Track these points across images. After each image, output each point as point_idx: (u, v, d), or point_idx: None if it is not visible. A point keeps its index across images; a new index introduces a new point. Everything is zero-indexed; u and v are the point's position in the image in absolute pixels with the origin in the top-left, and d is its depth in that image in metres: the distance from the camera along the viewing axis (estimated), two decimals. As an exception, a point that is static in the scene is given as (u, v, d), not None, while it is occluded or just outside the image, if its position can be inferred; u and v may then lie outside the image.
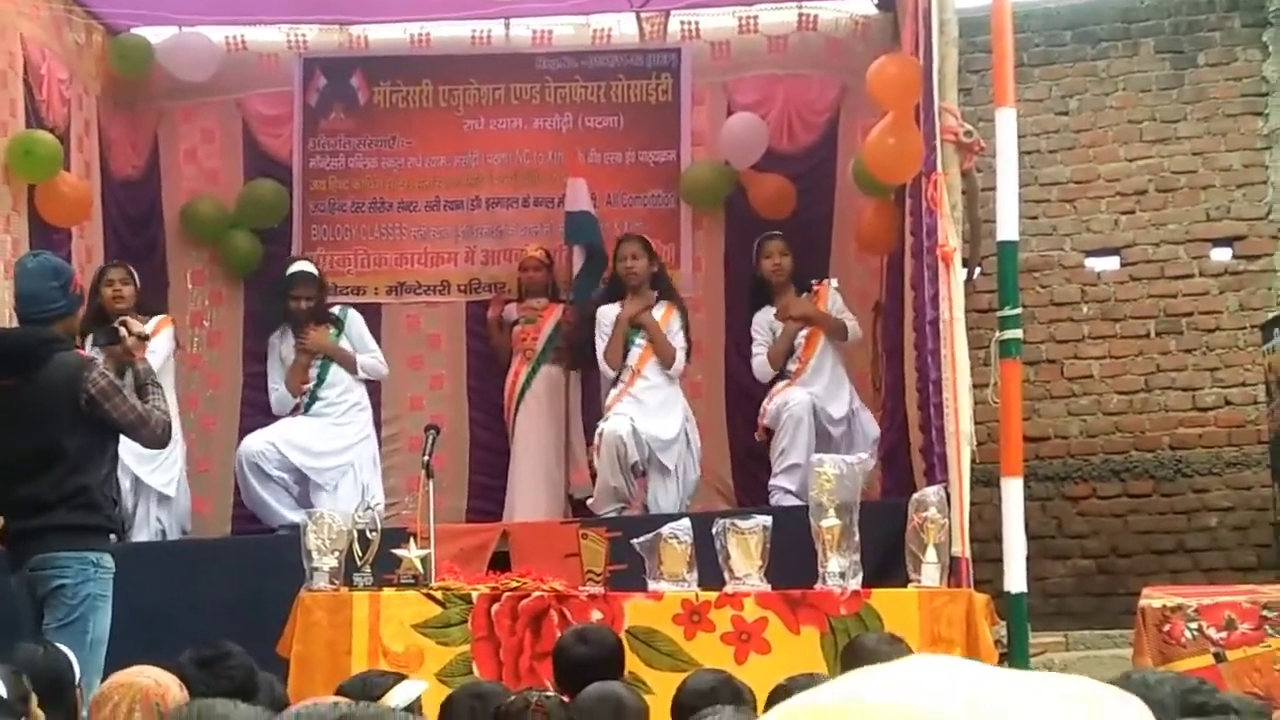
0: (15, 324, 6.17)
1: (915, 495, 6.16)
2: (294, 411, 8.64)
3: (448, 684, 5.30)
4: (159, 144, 9.71)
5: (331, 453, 8.48)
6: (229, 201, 9.59)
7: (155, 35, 9.36)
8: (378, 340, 9.02)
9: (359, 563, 6.19)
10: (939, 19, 6.63)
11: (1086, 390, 9.38)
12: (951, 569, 6.01)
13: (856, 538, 6.01)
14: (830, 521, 5.97)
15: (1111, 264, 9.46)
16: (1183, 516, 9.19)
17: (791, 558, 6.15)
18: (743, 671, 4.84)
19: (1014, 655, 5.93)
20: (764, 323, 8.65)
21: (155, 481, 8.18)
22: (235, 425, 9.19)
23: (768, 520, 6.07)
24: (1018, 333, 6.15)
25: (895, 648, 4.77)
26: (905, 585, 6.00)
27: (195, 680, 3.75)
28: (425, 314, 9.64)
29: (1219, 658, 5.57)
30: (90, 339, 6.48)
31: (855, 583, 5.97)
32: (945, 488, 6.19)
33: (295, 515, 7.74)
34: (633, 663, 5.37)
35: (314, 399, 8.59)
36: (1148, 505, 9.24)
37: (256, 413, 9.02)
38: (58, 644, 4.39)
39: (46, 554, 5.60)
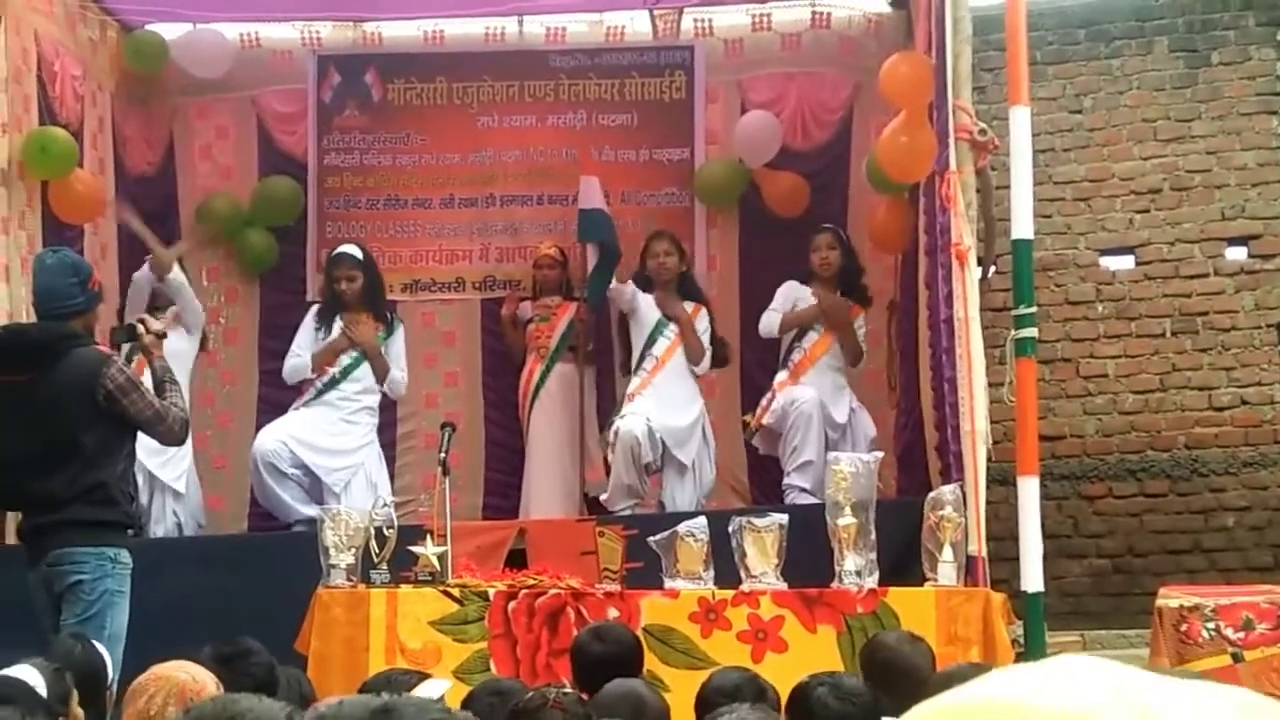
0: (34, 319, 6.18)
1: (931, 494, 6.16)
2: (303, 388, 8.61)
3: (465, 681, 5.31)
4: (174, 141, 9.72)
5: (342, 452, 8.46)
6: (244, 198, 9.59)
7: (169, 32, 9.37)
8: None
9: (376, 559, 6.20)
10: (953, 17, 6.63)
11: (1102, 389, 9.37)
12: (968, 568, 6.01)
13: (873, 536, 6.01)
14: (846, 520, 5.97)
15: (1126, 263, 9.45)
16: (1199, 516, 9.17)
17: (808, 556, 6.15)
18: (759, 670, 4.82)
19: (1030, 655, 5.92)
20: (789, 294, 8.64)
21: (166, 476, 8.20)
22: (252, 422, 9.19)
23: (784, 518, 6.08)
24: (1033, 331, 6.16)
25: (915, 647, 4.77)
26: (921, 584, 6.01)
27: (216, 677, 3.75)
28: (440, 311, 9.64)
29: (1236, 658, 5.57)
30: (109, 336, 6.48)
31: (871, 581, 5.97)
32: (961, 486, 6.19)
33: (310, 510, 7.77)
34: (649, 661, 5.37)
35: (331, 386, 8.55)
36: (1164, 505, 9.22)
37: (272, 409, 9.02)
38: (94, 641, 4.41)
39: (64, 549, 5.61)
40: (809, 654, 5.64)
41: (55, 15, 8.40)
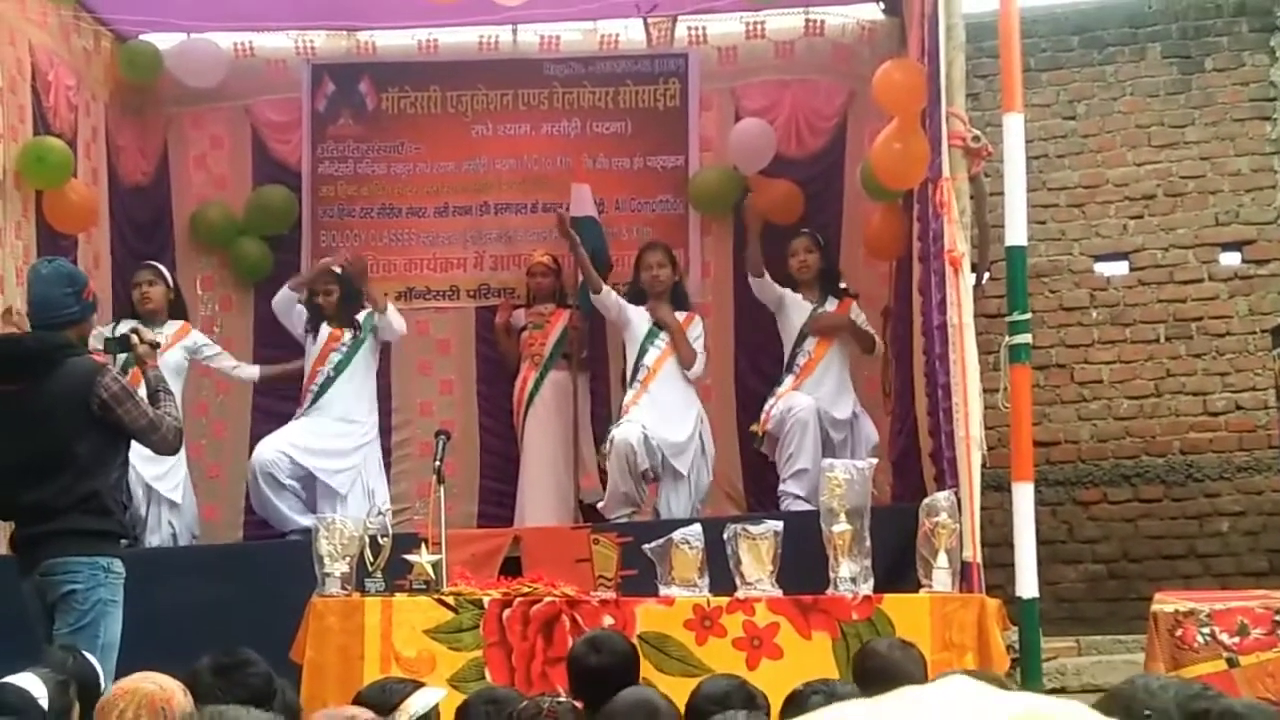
0: (28, 329, 6.18)
1: (926, 500, 6.15)
2: (300, 399, 8.62)
3: (460, 689, 5.30)
4: (168, 150, 9.73)
5: (342, 453, 8.47)
6: (238, 208, 9.60)
7: (163, 42, 9.37)
8: (387, 346, 9.03)
9: (370, 568, 6.18)
10: (946, 24, 6.62)
11: (1096, 395, 9.38)
12: (963, 574, 6.00)
13: (868, 543, 6.00)
14: (841, 526, 5.96)
15: (1120, 269, 9.46)
16: (1194, 521, 9.18)
17: (802, 563, 6.15)
18: (754, 677, 4.83)
19: (1026, 661, 5.93)
20: (773, 296, 8.67)
21: (163, 487, 8.19)
22: (246, 431, 9.19)
23: (779, 525, 6.07)
24: (1027, 337, 6.16)
25: (907, 653, 4.76)
26: (916, 590, 6.00)
27: (212, 687, 3.74)
28: (434, 319, 9.64)
29: (1232, 663, 5.56)
30: (103, 346, 6.47)
31: (866, 588, 5.96)
32: (956, 492, 6.18)
33: (306, 520, 7.76)
34: (644, 668, 5.35)
35: (327, 387, 8.55)
36: (1159, 510, 9.23)
37: (267, 418, 9.03)
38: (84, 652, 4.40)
39: (57, 559, 5.59)
40: (804, 661, 5.63)
41: (49, 25, 8.40)
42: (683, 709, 3.95)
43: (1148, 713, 2.74)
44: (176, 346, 8.40)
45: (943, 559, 5.93)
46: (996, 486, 7.14)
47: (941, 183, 6.55)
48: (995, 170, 6.99)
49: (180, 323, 8.58)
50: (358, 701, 3.98)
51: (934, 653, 5.49)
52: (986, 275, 8.16)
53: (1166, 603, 5.79)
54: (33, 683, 3.67)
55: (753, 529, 6.06)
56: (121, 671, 4.85)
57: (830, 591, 5.95)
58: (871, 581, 5.99)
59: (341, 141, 9.69)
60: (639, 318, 8.66)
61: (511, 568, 7.36)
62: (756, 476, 9.06)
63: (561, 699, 3.95)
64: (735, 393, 9.36)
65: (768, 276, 8.67)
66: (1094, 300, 9.44)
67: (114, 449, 5.81)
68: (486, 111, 9.66)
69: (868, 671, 4.66)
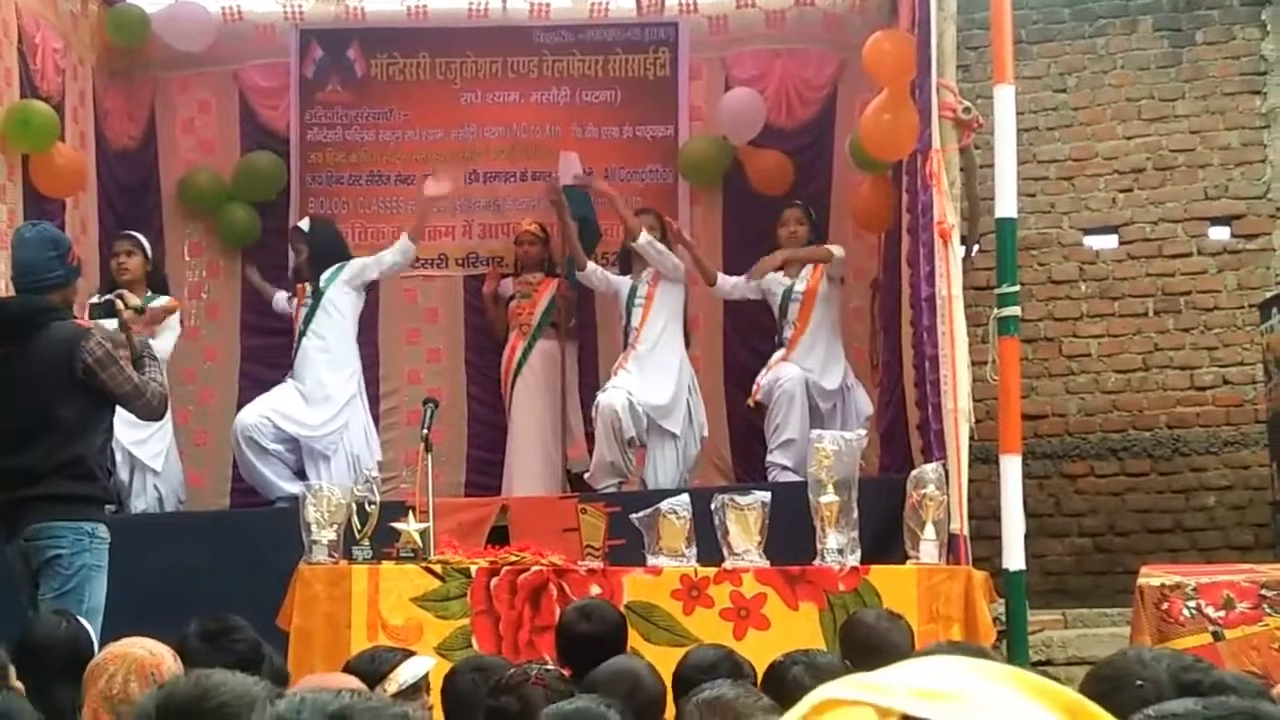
0: (12, 294, 6.15)
1: (914, 472, 6.16)
2: (286, 372, 8.62)
3: (447, 657, 5.30)
4: (155, 115, 9.66)
5: (324, 421, 8.43)
6: (226, 173, 9.55)
7: (151, 5, 9.30)
8: (375, 314, 9.01)
9: (358, 536, 6.18)
10: (937, -6, 6.60)
11: (1084, 368, 9.38)
12: (950, 546, 6.02)
13: (855, 514, 6.01)
14: (829, 498, 5.96)
15: (1110, 242, 9.46)
16: (1180, 495, 9.20)
17: (790, 534, 6.16)
18: (742, 647, 4.83)
19: (1012, 633, 5.95)
20: (746, 290, 8.73)
21: (143, 454, 8.13)
22: (233, 398, 9.16)
23: (766, 496, 6.08)
24: (1016, 310, 6.16)
25: (894, 624, 4.77)
26: (903, 562, 6.01)
27: (200, 653, 3.73)
28: (422, 288, 9.60)
29: (1217, 636, 5.57)
30: (87, 311, 6.44)
31: (853, 559, 5.97)
32: (943, 465, 6.19)
33: (293, 487, 7.75)
34: (631, 638, 5.36)
35: (300, 345, 8.55)
36: (1145, 484, 9.25)
37: (254, 385, 9.00)
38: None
39: (41, 524, 5.58)
40: (791, 631, 5.64)
41: (36, -12, 8.34)
42: (670, 679, 3.95)
43: (1140, 683, 2.75)
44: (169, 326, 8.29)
45: (930, 531, 5.95)
46: (984, 459, 7.14)
47: (931, 154, 6.54)
48: (985, 142, 6.98)
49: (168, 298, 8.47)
50: (347, 670, 3.98)
51: (920, 624, 5.51)
52: (976, 247, 8.18)
53: (1153, 576, 5.80)
54: None
55: (740, 500, 6.07)
56: (108, 637, 4.85)
57: (817, 562, 5.96)
58: (859, 553, 6.00)
59: (330, 108, 9.64)
60: (621, 283, 8.67)
61: (499, 536, 7.36)
62: (744, 447, 9.06)
63: (549, 666, 3.94)
64: (724, 364, 9.35)
65: (722, 277, 8.74)
66: (1083, 273, 9.44)
67: (98, 414, 5.79)
68: (476, 79, 9.61)
69: (854, 642, 4.67)
